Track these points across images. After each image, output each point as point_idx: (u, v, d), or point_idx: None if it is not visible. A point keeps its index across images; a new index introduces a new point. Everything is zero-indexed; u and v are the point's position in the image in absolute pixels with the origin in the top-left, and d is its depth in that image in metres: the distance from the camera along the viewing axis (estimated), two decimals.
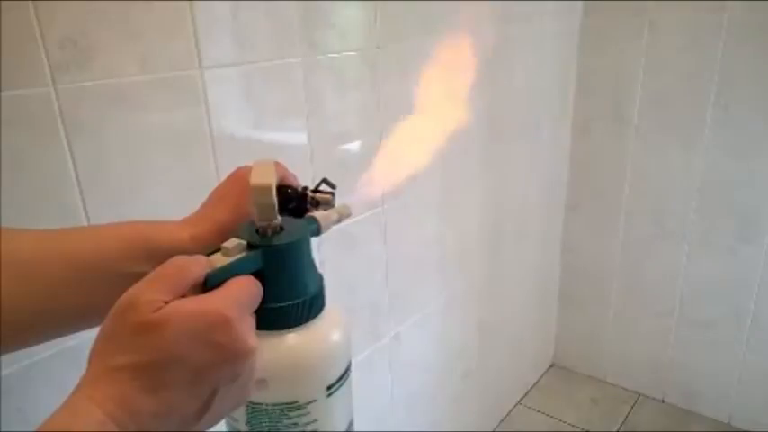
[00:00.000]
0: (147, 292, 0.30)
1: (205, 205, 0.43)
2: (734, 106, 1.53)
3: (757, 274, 1.64)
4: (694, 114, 1.59)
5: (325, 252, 1.00)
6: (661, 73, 1.61)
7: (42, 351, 0.65)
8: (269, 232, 0.36)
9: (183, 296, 0.31)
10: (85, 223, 0.67)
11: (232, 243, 0.35)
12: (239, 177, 0.42)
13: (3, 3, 0.56)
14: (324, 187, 0.43)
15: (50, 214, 0.65)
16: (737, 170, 1.58)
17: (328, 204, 0.42)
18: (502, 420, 1.85)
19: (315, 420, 0.37)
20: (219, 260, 0.34)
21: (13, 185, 0.61)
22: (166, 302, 0.30)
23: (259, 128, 0.87)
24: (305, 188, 0.43)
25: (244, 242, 0.35)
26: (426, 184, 1.26)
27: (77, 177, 0.66)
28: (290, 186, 0.42)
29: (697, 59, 1.55)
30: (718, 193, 1.63)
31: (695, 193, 1.66)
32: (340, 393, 0.38)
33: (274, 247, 0.36)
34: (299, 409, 0.36)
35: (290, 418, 0.36)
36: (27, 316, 0.37)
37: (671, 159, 1.67)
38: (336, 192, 0.43)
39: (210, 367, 0.30)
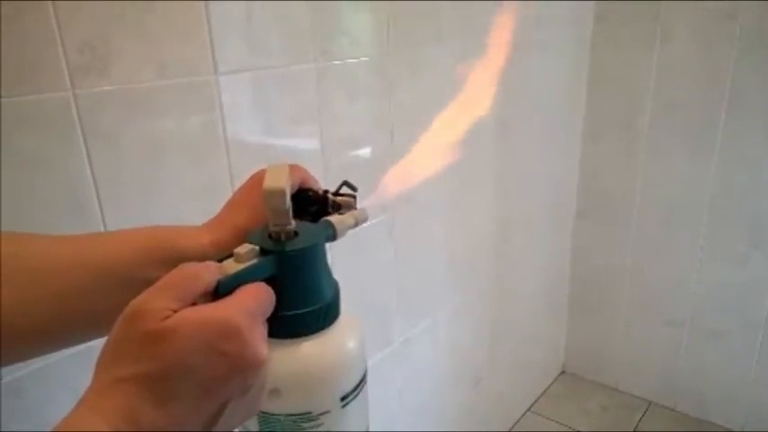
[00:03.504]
0: (155, 301, 0.29)
1: (225, 210, 0.43)
2: (745, 114, 1.52)
3: None
4: (706, 122, 1.58)
5: (334, 256, 1.00)
6: (672, 80, 1.60)
7: (56, 353, 0.65)
8: (283, 237, 0.35)
9: (194, 304, 0.30)
10: (102, 227, 0.68)
11: (244, 249, 0.34)
12: (259, 181, 0.40)
13: (24, 7, 0.57)
14: (345, 190, 0.42)
15: (68, 218, 0.65)
16: (749, 178, 1.57)
17: (350, 207, 0.41)
18: (512, 427, 1.84)
19: (328, 431, 0.36)
20: (231, 266, 0.33)
21: (32, 189, 0.61)
22: (175, 311, 0.29)
23: (272, 133, 0.88)
24: (326, 191, 0.42)
25: (256, 248, 0.34)
26: (436, 190, 1.26)
27: (95, 181, 0.66)
28: (310, 189, 0.42)
29: (709, 67, 1.53)
30: (730, 200, 1.61)
31: (706, 201, 1.64)
32: (355, 404, 0.37)
33: (288, 252, 0.35)
34: (312, 420, 0.35)
35: (302, 429, 0.35)
36: (43, 322, 0.36)
37: (682, 167, 1.66)
38: (356, 195, 0.43)
39: (220, 379, 0.29)
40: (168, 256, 0.38)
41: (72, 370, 0.66)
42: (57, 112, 0.62)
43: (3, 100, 0.57)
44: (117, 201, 0.69)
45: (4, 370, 0.62)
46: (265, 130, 0.86)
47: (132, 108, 0.69)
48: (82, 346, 0.57)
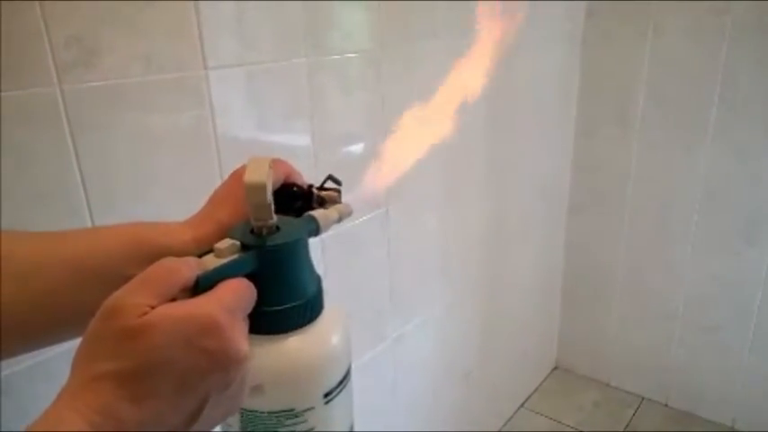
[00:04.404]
0: (133, 296, 0.29)
1: (207, 206, 0.42)
2: (737, 108, 1.52)
3: (761, 277, 1.63)
4: (698, 116, 1.59)
5: (328, 254, 1.00)
6: (664, 75, 1.60)
7: (46, 351, 0.65)
8: (264, 232, 0.35)
9: (173, 300, 0.30)
10: (89, 224, 0.68)
11: (225, 244, 0.34)
12: (240, 176, 0.40)
13: (10, 2, 0.57)
14: (330, 184, 0.42)
15: (55, 214, 0.65)
16: (741, 172, 1.57)
17: (334, 201, 0.41)
18: (505, 423, 1.84)
19: (312, 428, 0.36)
20: (211, 262, 0.33)
21: (18, 185, 0.61)
22: (153, 307, 0.29)
23: (263, 129, 0.87)
24: (310, 185, 0.42)
25: (237, 243, 0.34)
26: (429, 186, 1.26)
27: (82, 177, 0.66)
28: (295, 184, 0.41)
29: (700, 61, 1.54)
30: (722, 195, 1.62)
31: (699, 196, 1.65)
32: (339, 400, 0.37)
33: (269, 247, 0.34)
34: (295, 416, 0.35)
35: (285, 426, 0.35)
36: (27, 320, 0.36)
37: (674, 161, 1.66)
38: (341, 189, 0.42)
39: (199, 375, 0.29)
40: (150, 252, 0.37)
41: (65, 367, 0.65)
42: (43, 107, 0.62)
43: None
44: (105, 197, 0.68)
45: None
46: (256, 125, 0.86)
47: (120, 103, 0.68)
48: (71, 344, 0.57)
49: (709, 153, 1.60)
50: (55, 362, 0.65)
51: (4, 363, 0.61)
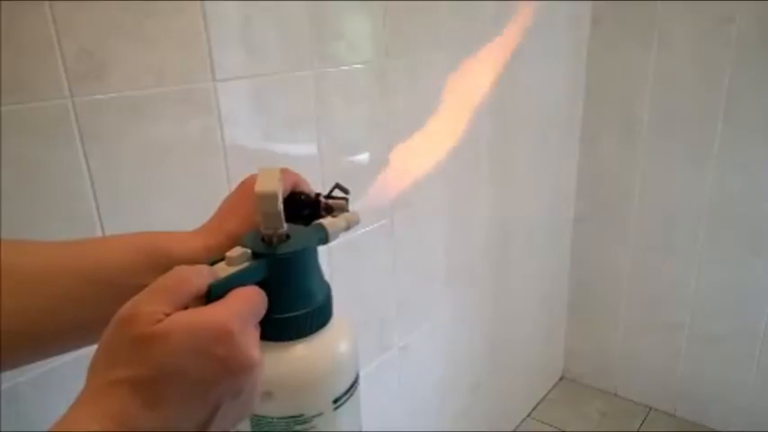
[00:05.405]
0: (148, 304, 0.30)
1: (216, 215, 0.43)
2: (743, 118, 1.52)
3: None
4: (703, 126, 1.59)
5: (333, 262, 1.01)
6: (670, 84, 1.61)
7: (57, 359, 0.65)
8: (274, 241, 0.35)
9: (186, 308, 0.31)
10: (100, 233, 0.68)
11: (236, 252, 0.34)
12: (249, 186, 0.41)
13: (22, 15, 0.58)
14: (337, 192, 0.43)
15: (66, 224, 0.65)
16: (748, 182, 1.57)
17: (342, 210, 0.41)
18: None
19: None
20: (223, 270, 0.33)
21: (30, 196, 0.62)
22: (167, 314, 0.29)
23: (270, 139, 0.88)
24: (318, 194, 0.42)
25: (248, 251, 0.35)
26: (434, 196, 1.26)
27: (93, 188, 0.67)
28: (302, 193, 0.42)
29: (706, 71, 1.54)
30: (728, 205, 1.61)
31: (705, 205, 1.65)
32: (347, 406, 0.38)
33: (280, 256, 0.35)
34: (305, 422, 0.36)
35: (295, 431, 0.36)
36: (36, 329, 0.36)
37: (680, 171, 1.66)
38: (348, 198, 0.43)
39: (212, 382, 0.30)
40: (160, 261, 0.38)
41: (71, 376, 0.66)
42: (55, 118, 0.63)
43: (2, 108, 0.58)
44: (115, 207, 0.69)
45: (3, 376, 0.63)
46: (263, 135, 0.87)
47: (130, 115, 0.69)
48: (80, 352, 0.57)
49: (715, 162, 1.60)
50: (61, 371, 0.65)
51: (10, 372, 0.61)
